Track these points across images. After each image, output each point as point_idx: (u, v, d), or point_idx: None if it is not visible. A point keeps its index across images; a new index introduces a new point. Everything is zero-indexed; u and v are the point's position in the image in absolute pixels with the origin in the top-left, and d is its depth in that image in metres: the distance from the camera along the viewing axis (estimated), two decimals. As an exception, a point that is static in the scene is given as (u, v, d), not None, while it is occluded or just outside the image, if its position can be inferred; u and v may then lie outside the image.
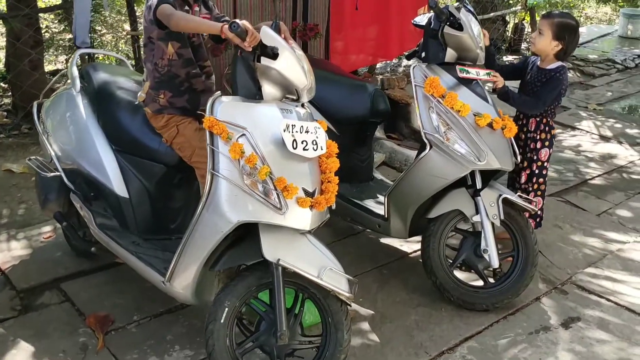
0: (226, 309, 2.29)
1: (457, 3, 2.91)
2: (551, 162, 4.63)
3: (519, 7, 7.86)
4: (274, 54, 2.25)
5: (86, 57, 4.54)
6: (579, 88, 6.86)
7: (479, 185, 2.91)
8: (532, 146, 3.23)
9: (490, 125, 2.84)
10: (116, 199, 2.74)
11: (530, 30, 7.87)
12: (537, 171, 3.26)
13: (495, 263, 2.87)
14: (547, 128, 3.24)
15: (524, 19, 7.93)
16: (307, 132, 2.28)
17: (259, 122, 2.25)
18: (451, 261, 3.00)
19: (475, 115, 2.83)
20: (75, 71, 3.01)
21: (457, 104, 2.79)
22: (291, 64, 2.28)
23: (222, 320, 2.28)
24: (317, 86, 3.34)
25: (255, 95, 2.33)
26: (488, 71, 2.97)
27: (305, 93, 2.38)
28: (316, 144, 2.30)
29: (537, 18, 8.43)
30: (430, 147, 2.85)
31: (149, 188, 2.76)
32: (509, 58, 7.73)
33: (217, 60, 4.03)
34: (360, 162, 3.43)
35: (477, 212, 2.89)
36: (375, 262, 3.36)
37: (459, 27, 2.86)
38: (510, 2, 8.33)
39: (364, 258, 3.39)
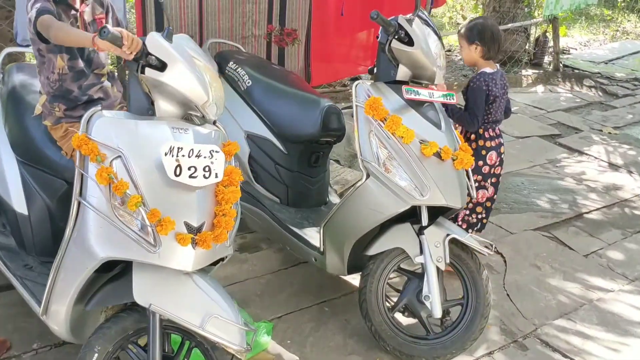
0: (96, 355, 1.99)
1: (410, 14, 2.55)
2: (546, 191, 4.27)
3: (540, 19, 7.37)
4: (162, 65, 1.95)
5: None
6: (598, 108, 6.37)
7: (424, 222, 2.55)
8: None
9: (438, 155, 2.47)
10: (14, 215, 2.49)
11: (553, 43, 7.38)
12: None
13: (437, 312, 2.51)
14: (482, 137, 3.07)
15: (546, 31, 7.44)
16: (198, 156, 1.97)
17: (140, 143, 1.95)
18: (392, 305, 2.66)
19: (421, 143, 2.47)
20: None
21: (399, 129, 2.44)
22: (184, 76, 1.97)
23: (90, 367, 1.99)
24: (266, 99, 3.11)
25: (147, 111, 2.04)
26: (445, 92, 2.61)
27: (209, 110, 2.07)
28: (209, 170, 1.99)
29: (562, 31, 7.95)
30: (368, 176, 2.50)
31: (50, 206, 2.48)
32: (528, 72, 7.27)
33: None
34: (309, 184, 3.09)
35: (422, 252, 2.54)
36: (318, 297, 3.02)
37: (410, 41, 2.50)
38: (535, 14, 7.84)
39: (308, 291, 3.06)
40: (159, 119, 2.03)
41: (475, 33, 2.98)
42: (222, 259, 2.21)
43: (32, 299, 2.25)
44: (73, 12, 2.24)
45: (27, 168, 2.50)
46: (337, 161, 4.25)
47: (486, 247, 2.58)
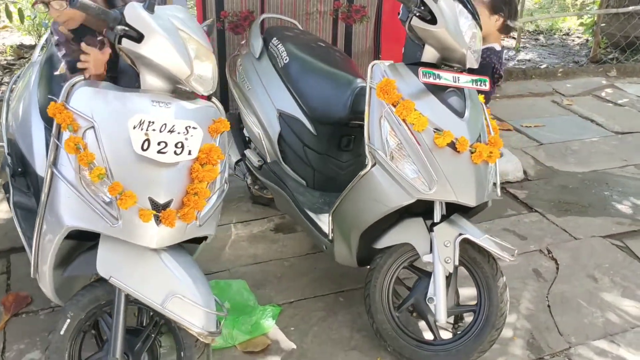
0: (68, 321, 2.03)
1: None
2: (632, 194, 3.81)
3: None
4: (139, 36, 1.91)
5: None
6: None
7: (436, 217, 2.34)
8: None
9: (452, 146, 2.24)
10: (36, 178, 2.59)
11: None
12: None
13: (441, 317, 2.30)
14: None
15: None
16: (171, 131, 1.92)
17: (114, 115, 1.92)
18: (399, 303, 2.48)
19: (435, 131, 2.25)
20: None
21: (410, 116, 2.24)
22: (162, 48, 1.92)
23: (62, 332, 2.03)
24: (300, 77, 3.00)
25: (135, 83, 2.02)
26: (474, 77, 2.35)
27: (195, 84, 2.02)
28: (182, 147, 1.94)
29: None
30: (374, 164, 2.33)
31: None
32: (651, 61, 6.53)
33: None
34: (338, 168, 2.95)
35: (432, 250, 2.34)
36: (337, 286, 2.90)
37: (433, 19, 2.28)
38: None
39: (329, 278, 2.95)
40: (142, 91, 1.99)
41: (502, 3, 2.77)
42: (204, 238, 2.17)
43: (33, 260, 2.34)
44: None
45: (49, 133, 2.59)
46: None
47: (507, 251, 2.32)
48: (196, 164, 2.00)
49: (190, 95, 2.09)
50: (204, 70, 2.04)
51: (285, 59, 3.05)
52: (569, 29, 7.89)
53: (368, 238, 2.49)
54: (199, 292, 1.97)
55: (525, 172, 4.10)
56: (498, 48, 2.85)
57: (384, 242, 2.45)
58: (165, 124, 1.92)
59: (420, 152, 2.24)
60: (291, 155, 2.98)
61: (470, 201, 2.27)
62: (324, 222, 2.68)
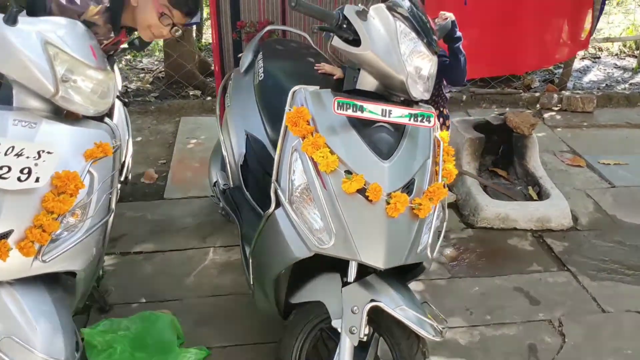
0: None
1: (361, 5, 1.92)
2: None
3: None
4: None
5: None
6: None
7: (350, 276, 1.95)
8: None
9: (362, 193, 1.84)
10: None
11: None
12: None
13: (343, 399, 1.91)
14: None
15: None
16: (18, 155, 1.75)
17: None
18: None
19: (346, 174, 1.87)
20: None
21: (317, 153, 1.88)
22: (20, 65, 1.79)
23: None
24: (268, 95, 2.72)
25: (9, 99, 1.89)
26: (414, 111, 1.91)
27: (66, 104, 1.88)
28: (29, 172, 1.76)
29: None
30: (277, 205, 1.99)
31: None
32: None
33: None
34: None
35: (344, 314, 1.95)
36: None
37: (356, 39, 1.90)
38: None
39: (279, 324, 2.62)
40: (8, 109, 1.86)
41: None
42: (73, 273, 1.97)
43: None
44: None
45: None
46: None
47: (435, 327, 1.88)
48: (50, 192, 1.81)
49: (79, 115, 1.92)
50: (80, 90, 1.86)
51: (261, 76, 2.79)
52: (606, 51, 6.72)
53: (287, 288, 2.15)
54: (41, 335, 1.78)
55: (575, 220, 3.45)
56: None
57: (298, 297, 2.11)
58: (12, 147, 1.75)
59: (321, 197, 1.87)
60: (252, 182, 2.70)
61: (377, 263, 1.85)
62: (251, 263, 2.37)
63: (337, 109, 1.88)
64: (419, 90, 1.99)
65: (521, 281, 2.94)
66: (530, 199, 3.59)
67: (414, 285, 2.85)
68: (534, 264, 3.09)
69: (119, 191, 2.89)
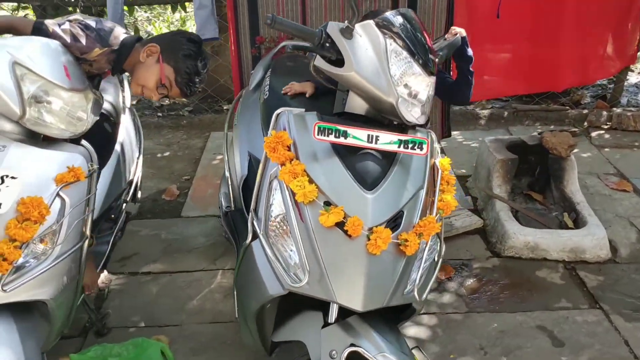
0: None
1: (347, 22, 1.76)
2: None
3: None
4: None
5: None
6: None
7: (331, 317, 1.79)
8: None
9: (342, 227, 1.68)
10: None
11: None
12: None
13: None
14: None
15: None
16: (-21, 181, 1.69)
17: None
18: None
19: (325, 205, 1.71)
20: None
21: (293, 182, 1.73)
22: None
23: None
24: (270, 114, 2.58)
25: None
26: (404, 138, 1.75)
27: (35, 127, 1.81)
28: (-9, 199, 1.69)
29: None
30: (254, 237, 1.85)
31: None
32: None
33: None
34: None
35: (324, 355, 1.79)
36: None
37: (340, 59, 1.75)
38: None
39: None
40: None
41: None
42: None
43: None
44: None
45: None
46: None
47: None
48: (14, 219, 1.73)
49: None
50: (53, 111, 1.79)
51: (266, 94, 2.66)
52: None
53: (276, 323, 2.01)
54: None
55: (614, 251, 3.15)
56: None
57: (280, 336, 1.96)
58: (-30, 172, 1.69)
59: (296, 229, 1.72)
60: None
61: (354, 305, 1.68)
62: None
63: (318, 135, 1.74)
64: (413, 115, 1.82)
65: (546, 318, 2.69)
66: (566, 226, 3.31)
67: (425, 319, 2.68)
68: (562, 299, 2.83)
69: (123, 213, 2.85)
